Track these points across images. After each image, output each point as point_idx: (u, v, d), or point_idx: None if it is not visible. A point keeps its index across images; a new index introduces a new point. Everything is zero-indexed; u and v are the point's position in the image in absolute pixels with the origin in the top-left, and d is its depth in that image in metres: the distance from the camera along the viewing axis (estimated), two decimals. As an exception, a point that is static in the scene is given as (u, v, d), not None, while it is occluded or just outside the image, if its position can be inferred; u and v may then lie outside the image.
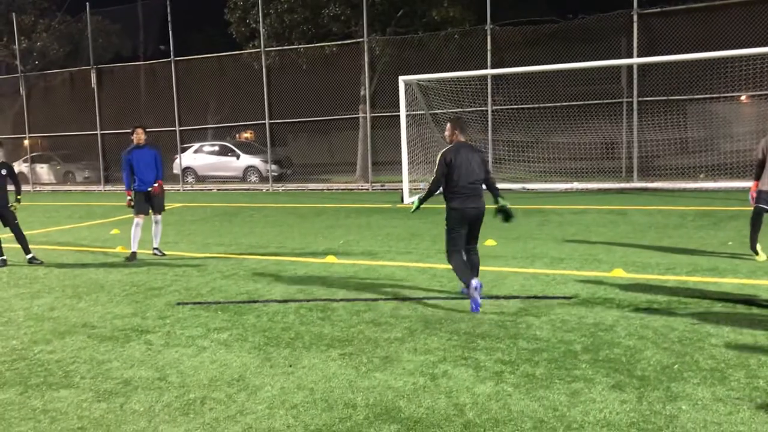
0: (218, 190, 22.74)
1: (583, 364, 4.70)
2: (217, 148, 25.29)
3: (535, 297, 6.63)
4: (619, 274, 7.46)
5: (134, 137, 9.74)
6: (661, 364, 4.64)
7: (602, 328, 5.51)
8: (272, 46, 21.49)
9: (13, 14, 25.92)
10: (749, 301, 6.20)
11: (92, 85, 23.82)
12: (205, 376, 4.75)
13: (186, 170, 24.55)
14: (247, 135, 29.81)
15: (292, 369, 4.82)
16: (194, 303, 6.87)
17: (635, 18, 16.78)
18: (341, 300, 6.77)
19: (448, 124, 6.80)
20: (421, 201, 6.98)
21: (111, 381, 4.70)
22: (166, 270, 8.69)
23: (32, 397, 4.47)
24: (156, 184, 9.77)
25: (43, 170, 27.43)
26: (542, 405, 4.05)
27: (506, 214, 6.85)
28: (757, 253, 8.05)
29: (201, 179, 24.78)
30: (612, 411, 3.93)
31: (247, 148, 25.60)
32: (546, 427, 3.75)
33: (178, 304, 6.86)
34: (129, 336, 5.77)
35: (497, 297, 6.68)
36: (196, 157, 25.05)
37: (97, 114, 24.06)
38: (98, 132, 24.20)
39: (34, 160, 26.69)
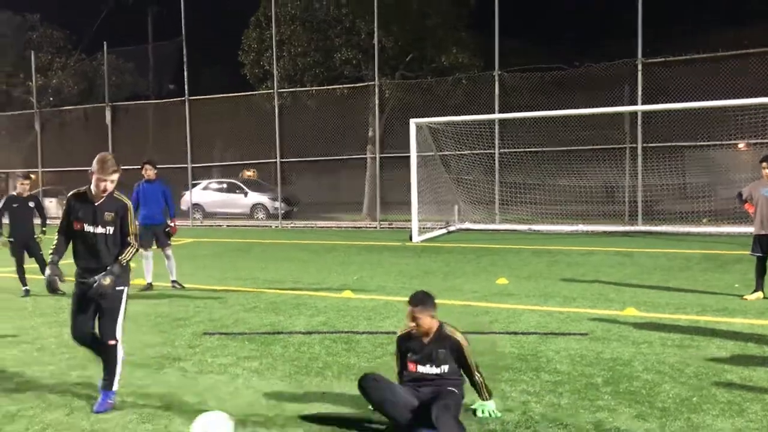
0: (228, 226, 23.03)
1: (605, 396, 4.91)
2: (225, 186, 25.71)
3: (552, 333, 6.84)
4: (631, 312, 7.68)
5: (144, 172, 10.09)
6: (680, 397, 4.85)
7: (620, 363, 5.72)
8: (285, 88, 22.03)
9: (32, 52, 26.57)
10: (760, 339, 6.42)
11: (106, 122, 24.29)
12: (242, 401, 4.95)
13: (194, 207, 24.88)
14: (249, 173, 30.25)
15: (324, 396, 5.02)
16: (221, 333, 7.08)
17: (639, 67, 17.31)
18: (364, 332, 6.98)
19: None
20: None
21: (152, 405, 4.90)
22: (188, 302, 8.91)
23: (79, 417, 4.67)
24: (172, 224, 10.16)
25: (52, 204, 27.71)
26: (569, 432, 4.25)
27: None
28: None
29: (208, 215, 25.07)
30: (637, 438, 4.14)
31: (255, 185, 25.99)
32: (575, 452, 3.96)
33: (205, 334, 7.07)
34: (162, 363, 5.98)
35: (515, 333, 6.89)
36: (204, 194, 25.41)
37: (110, 150, 24.45)
38: (110, 168, 24.57)
39: (44, 194, 27.04)
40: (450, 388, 4.41)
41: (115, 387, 4.91)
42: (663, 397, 4.87)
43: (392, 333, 6.91)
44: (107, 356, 4.94)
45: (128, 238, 5.02)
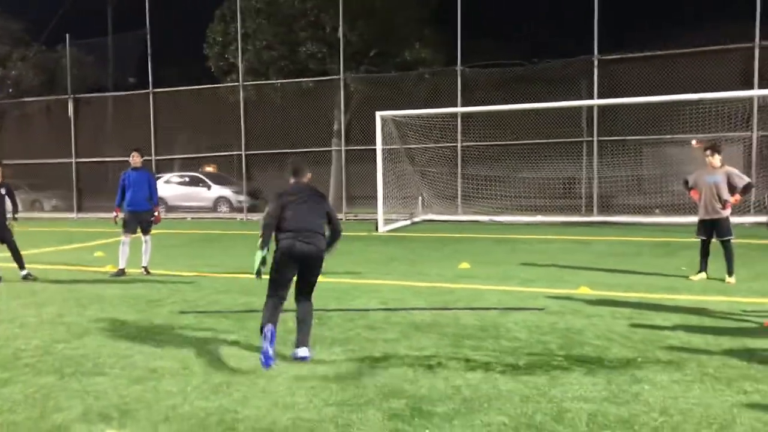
0: (192, 219, 23.11)
1: (559, 358, 5.38)
2: (187, 179, 25.65)
3: (511, 308, 7.31)
4: (584, 291, 8.20)
5: (131, 160, 10.29)
6: (627, 358, 5.35)
7: (573, 332, 6.21)
8: (249, 81, 22.21)
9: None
10: (701, 312, 6.99)
11: (69, 114, 24.12)
12: (224, 366, 5.28)
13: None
14: (209, 168, 30.24)
15: (302, 362, 5.38)
16: (197, 312, 7.37)
17: (595, 63, 18.02)
18: (334, 310, 7.34)
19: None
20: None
21: (139, 370, 5.20)
22: (160, 286, 9.14)
23: (71, 381, 4.95)
24: (156, 214, 10.37)
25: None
26: (527, 386, 4.70)
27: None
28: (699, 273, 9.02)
29: (171, 209, 25.05)
30: (586, 390, 4.60)
31: (218, 179, 26.03)
32: (531, 401, 4.41)
33: (182, 312, 7.35)
34: (143, 336, 6.26)
35: (477, 308, 7.34)
36: (167, 187, 25.34)
37: (73, 143, 24.31)
38: (73, 160, 24.43)
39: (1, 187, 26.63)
40: None
41: None
42: (611, 358, 5.36)
43: (362, 311, 7.32)
44: None
45: None
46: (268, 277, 5.62)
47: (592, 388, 4.65)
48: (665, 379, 4.79)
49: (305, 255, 5.51)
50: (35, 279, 9.84)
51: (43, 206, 27.22)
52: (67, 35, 24.78)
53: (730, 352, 5.46)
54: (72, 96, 24.51)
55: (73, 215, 24.77)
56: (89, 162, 24.62)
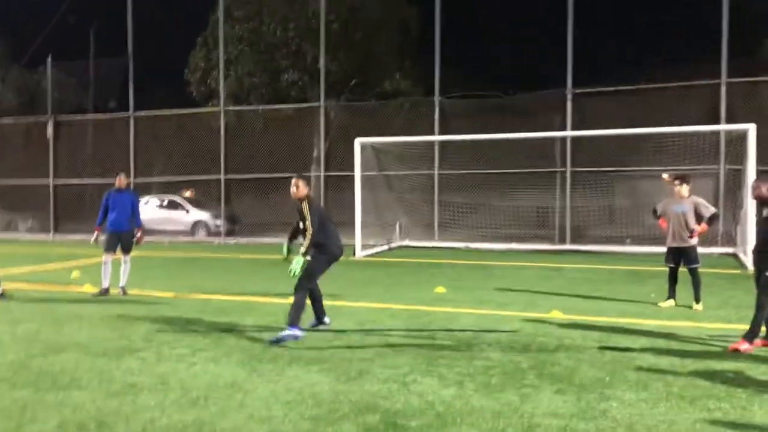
0: (170, 242, 23.02)
1: (530, 376, 5.53)
2: (166, 203, 25.57)
3: (486, 330, 7.45)
4: (557, 315, 8.38)
5: (116, 181, 10.35)
6: (596, 377, 5.51)
7: (545, 353, 6.36)
8: (231, 106, 22.39)
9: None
10: (669, 336, 7.19)
11: (48, 136, 24.04)
12: (202, 381, 5.35)
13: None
14: (188, 193, 30.16)
15: (279, 378, 5.46)
16: (174, 330, 7.41)
17: (569, 96, 18.49)
18: (311, 330, 7.43)
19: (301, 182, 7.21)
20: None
21: (117, 384, 5.25)
22: (139, 305, 9.17)
23: (47, 395, 4.98)
24: (139, 235, 10.40)
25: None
26: (499, 402, 4.83)
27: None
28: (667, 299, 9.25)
29: (149, 232, 24.88)
30: (556, 407, 4.75)
31: (196, 203, 25.98)
32: (503, 416, 4.53)
33: (159, 331, 7.39)
34: (121, 353, 6.29)
35: (452, 330, 7.47)
36: (144, 210, 25.16)
37: (51, 164, 24.20)
38: (50, 181, 24.29)
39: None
40: None
41: None
42: (581, 377, 5.52)
43: (339, 331, 7.42)
44: None
45: None
46: (297, 271, 7.20)
47: (562, 404, 4.79)
48: (632, 397, 4.95)
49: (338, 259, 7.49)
50: (11, 298, 9.79)
51: (18, 227, 26.95)
52: (49, 57, 24.81)
53: (695, 373, 5.64)
54: (52, 117, 24.45)
55: (49, 236, 24.55)
56: (67, 184, 24.49)
